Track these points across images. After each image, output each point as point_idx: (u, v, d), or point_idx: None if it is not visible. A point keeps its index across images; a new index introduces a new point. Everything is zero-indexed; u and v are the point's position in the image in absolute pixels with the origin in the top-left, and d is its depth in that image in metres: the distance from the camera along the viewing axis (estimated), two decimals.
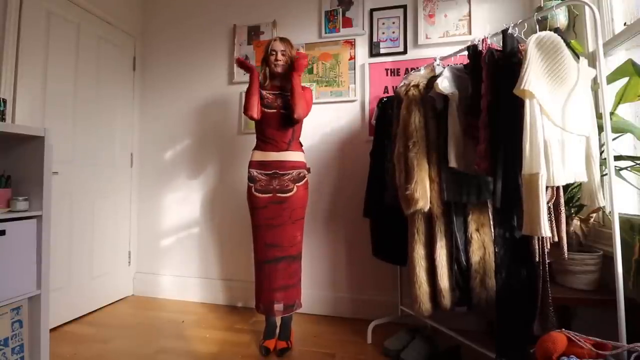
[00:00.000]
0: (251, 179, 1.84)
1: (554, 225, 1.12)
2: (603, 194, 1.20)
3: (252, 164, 1.85)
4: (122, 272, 2.56)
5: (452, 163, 1.34)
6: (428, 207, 1.43)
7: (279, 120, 1.82)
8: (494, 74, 1.23)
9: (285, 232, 1.79)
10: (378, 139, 1.91)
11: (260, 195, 1.81)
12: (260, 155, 1.85)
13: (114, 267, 2.48)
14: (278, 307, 1.76)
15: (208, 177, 2.56)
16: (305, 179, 1.87)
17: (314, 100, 2.07)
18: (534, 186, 1.03)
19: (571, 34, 1.73)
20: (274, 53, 1.84)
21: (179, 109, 2.63)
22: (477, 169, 1.25)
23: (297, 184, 1.82)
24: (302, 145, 1.93)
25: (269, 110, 1.82)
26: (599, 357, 0.91)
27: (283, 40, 1.87)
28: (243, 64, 1.82)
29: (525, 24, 1.34)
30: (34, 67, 1.93)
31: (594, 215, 1.38)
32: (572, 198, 1.39)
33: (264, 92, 1.86)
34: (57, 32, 2.06)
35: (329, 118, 2.32)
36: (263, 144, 1.85)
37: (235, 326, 2.09)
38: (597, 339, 0.95)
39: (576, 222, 1.38)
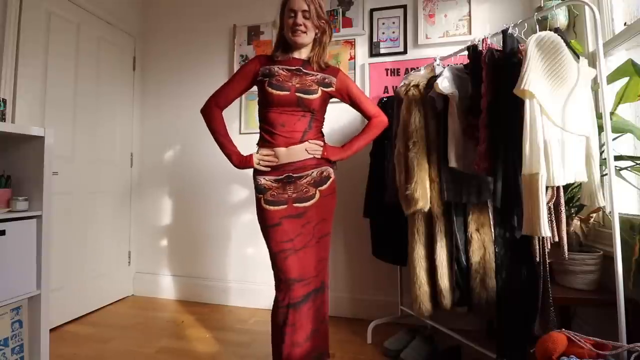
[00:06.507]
0: (259, 188, 1.36)
1: (554, 225, 1.12)
2: (603, 194, 1.20)
3: (258, 170, 1.37)
4: (122, 272, 2.55)
5: (452, 163, 1.34)
6: (428, 207, 1.43)
7: (293, 106, 1.34)
8: (494, 74, 1.23)
9: (309, 258, 1.33)
10: (378, 139, 1.90)
11: (271, 207, 1.33)
12: None
13: (114, 267, 2.48)
14: None
15: (208, 177, 2.55)
16: (331, 179, 1.42)
17: None
18: (534, 186, 1.04)
19: (571, 34, 1.73)
20: (293, 15, 1.32)
21: (179, 109, 2.63)
22: (477, 169, 1.25)
23: (319, 188, 1.37)
24: (323, 136, 1.47)
25: (279, 92, 1.32)
26: (599, 357, 0.91)
27: None
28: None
29: (525, 24, 1.34)
30: (34, 67, 1.93)
31: (594, 215, 1.38)
32: (572, 198, 1.39)
33: (275, 68, 1.36)
34: (57, 33, 2.06)
35: (329, 118, 2.28)
36: (270, 136, 1.35)
37: (235, 326, 2.09)
38: (597, 339, 0.95)
39: (576, 222, 1.38)
